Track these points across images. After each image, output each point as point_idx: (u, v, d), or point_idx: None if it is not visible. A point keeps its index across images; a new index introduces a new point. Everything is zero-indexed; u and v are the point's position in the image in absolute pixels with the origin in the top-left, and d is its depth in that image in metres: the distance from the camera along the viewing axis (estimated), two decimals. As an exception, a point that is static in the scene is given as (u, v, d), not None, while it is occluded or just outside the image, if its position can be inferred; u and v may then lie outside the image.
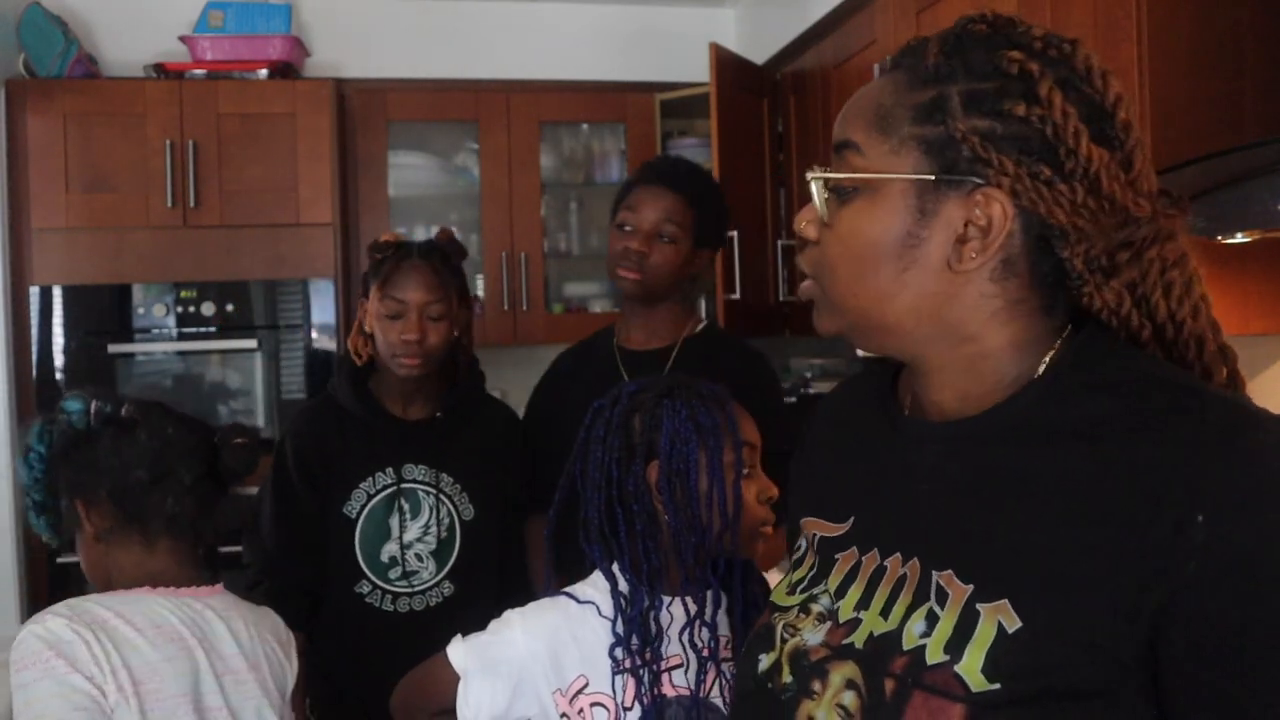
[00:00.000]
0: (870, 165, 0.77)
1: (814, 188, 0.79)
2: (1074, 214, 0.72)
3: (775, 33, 3.14)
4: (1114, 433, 0.70)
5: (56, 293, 2.94)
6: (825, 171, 0.79)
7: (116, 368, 2.98)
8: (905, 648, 0.73)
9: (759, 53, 3.20)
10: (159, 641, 1.26)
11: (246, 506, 1.42)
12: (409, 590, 1.85)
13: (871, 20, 2.48)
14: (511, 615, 1.25)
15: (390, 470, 1.86)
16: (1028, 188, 0.72)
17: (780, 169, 3.08)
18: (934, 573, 0.75)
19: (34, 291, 2.93)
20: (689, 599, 1.22)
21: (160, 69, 3.06)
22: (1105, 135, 0.73)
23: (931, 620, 0.73)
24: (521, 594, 1.92)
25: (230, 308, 3.02)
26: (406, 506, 1.86)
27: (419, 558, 1.86)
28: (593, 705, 1.18)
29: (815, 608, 0.83)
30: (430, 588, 1.86)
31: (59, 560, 2.89)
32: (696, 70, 3.14)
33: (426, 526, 1.86)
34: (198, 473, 1.35)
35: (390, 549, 1.85)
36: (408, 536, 1.85)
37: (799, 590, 0.87)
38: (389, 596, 1.85)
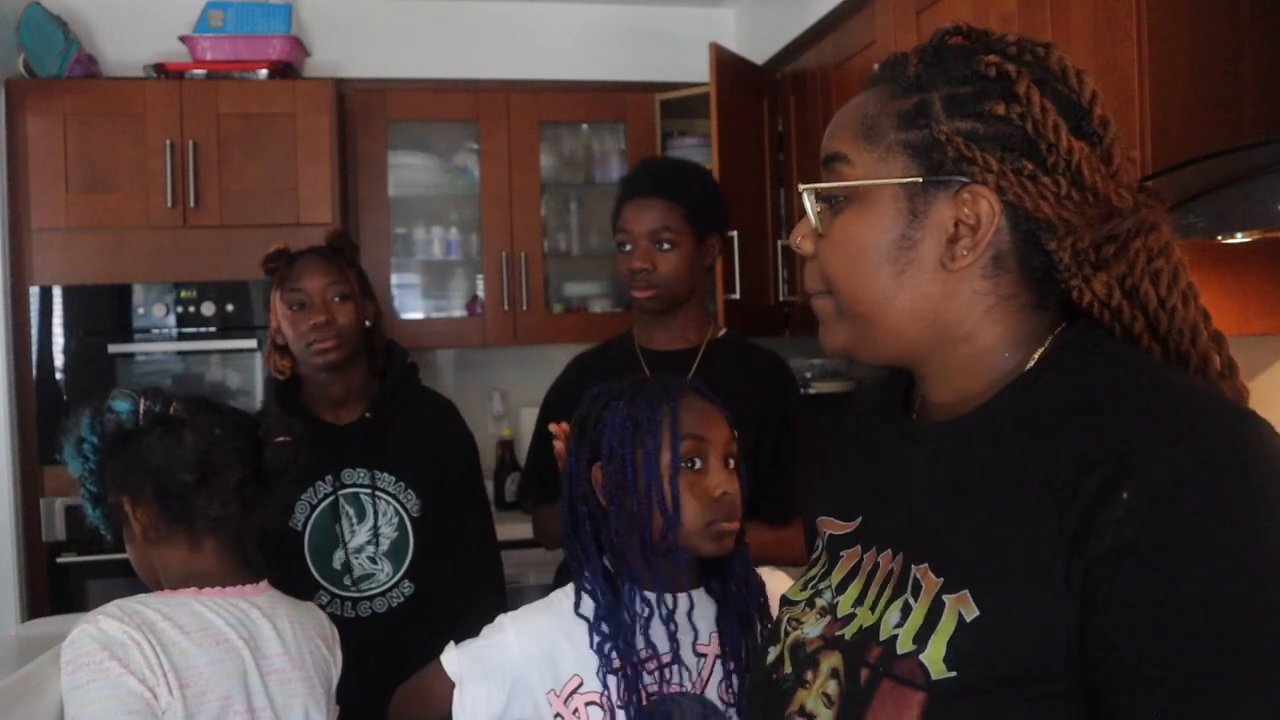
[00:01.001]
0: (860, 174, 0.79)
1: (807, 200, 0.82)
2: (1060, 206, 0.74)
3: (775, 33, 3.14)
4: (1069, 421, 0.71)
5: (56, 293, 2.94)
6: (813, 185, 0.82)
7: (116, 368, 2.98)
8: (881, 638, 0.76)
9: (759, 53, 3.20)
10: (205, 644, 1.27)
11: (292, 505, 1.41)
12: (367, 594, 1.83)
13: (871, 20, 2.49)
14: (504, 619, 1.26)
15: (329, 478, 1.84)
16: (1012, 183, 0.74)
17: (780, 169, 3.09)
18: (913, 566, 0.77)
19: (34, 291, 2.93)
20: (692, 594, 1.24)
21: (160, 69, 3.06)
22: (1083, 131, 0.76)
23: (906, 612, 0.75)
24: (491, 583, 1.97)
25: (230, 308, 3.02)
26: (351, 511, 1.84)
27: (372, 560, 1.85)
28: (587, 704, 1.19)
29: (819, 602, 0.86)
30: (390, 589, 1.85)
31: (59, 560, 2.90)
32: (696, 70, 3.14)
33: (374, 529, 1.85)
34: (242, 474, 1.35)
35: (340, 556, 1.84)
36: (355, 541, 1.84)
37: (808, 586, 0.90)
38: (348, 603, 1.83)
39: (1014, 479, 0.72)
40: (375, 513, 1.85)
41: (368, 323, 1.91)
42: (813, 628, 0.84)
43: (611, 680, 1.19)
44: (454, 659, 1.24)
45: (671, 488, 1.19)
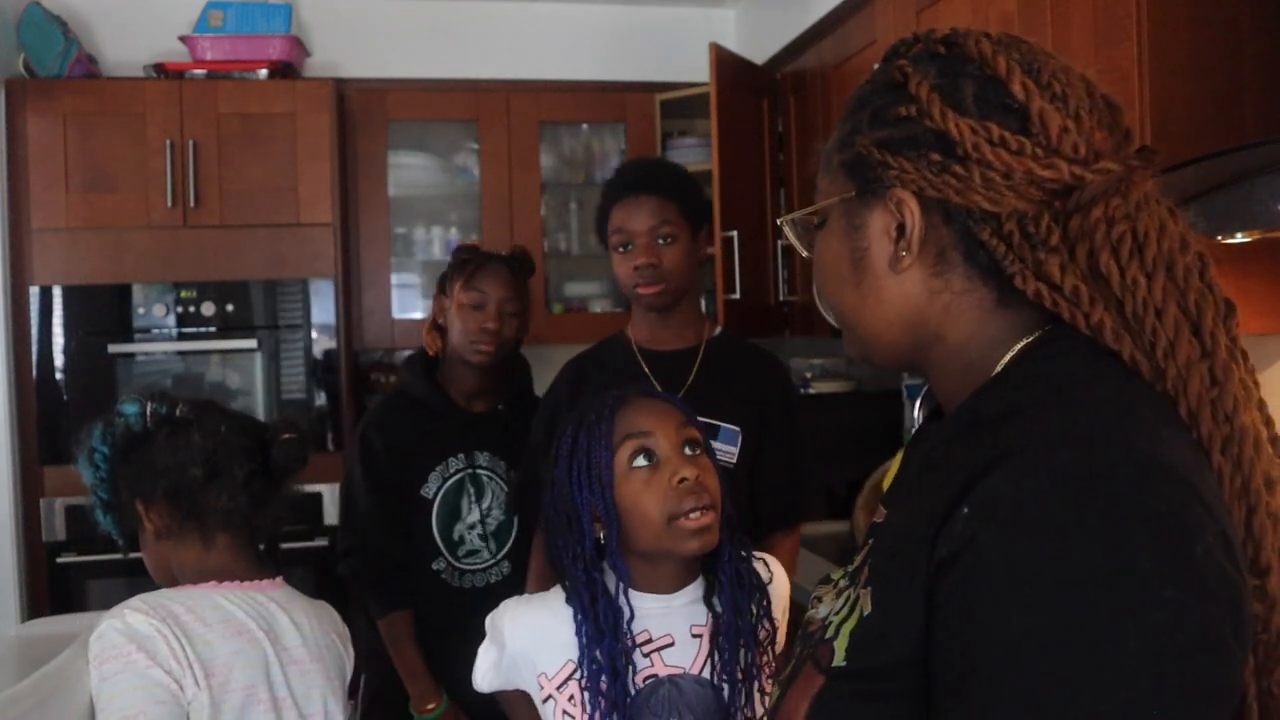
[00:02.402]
0: (818, 201, 0.85)
1: (786, 230, 0.89)
2: (989, 190, 0.73)
3: (775, 33, 3.14)
4: (980, 431, 0.70)
5: (56, 293, 2.94)
6: (784, 217, 0.90)
7: (116, 368, 2.98)
8: (825, 623, 0.79)
9: (759, 53, 3.20)
10: (228, 635, 1.31)
11: (299, 501, 1.49)
12: (474, 568, 2.05)
13: (871, 20, 2.49)
14: (514, 602, 1.33)
15: (462, 456, 2.06)
16: (930, 180, 0.75)
17: (780, 169, 3.09)
18: (869, 560, 0.79)
19: (34, 291, 2.93)
20: (690, 586, 1.28)
21: (160, 69, 3.06)
22: (1008, 107, 0.74)
23: (845, 601, 0.78)
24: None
25: (230, 308, 3.03)
26: (474, 490, 2.06)
27: (481, 538, 2.06)
28: (582, 689, 1.22)
29: (841, 584, 0.88)
30: (491, 566, 2.06)
31: (59, 560, 2.90)
32: (696, 70, 3.14)
33: (487, 509, 2.06)
34: (250, 469, 1.40)
35: (459, 529, 2.05)
36: (472, 518, 2.05)
37: (845, 569, 0.92)
38: (458, 573, 2.04)
39: (927, 485, 0.72)
40: (495, 495, 2.07)
41: (522, 335, 2.12)
42: (824, 608, 0.86)
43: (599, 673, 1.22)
44: (490, 618, 1.32)
45: (606, 499, 1.21)
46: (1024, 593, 0.61)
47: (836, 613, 0.78)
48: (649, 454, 1.22)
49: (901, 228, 0.77)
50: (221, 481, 1.37)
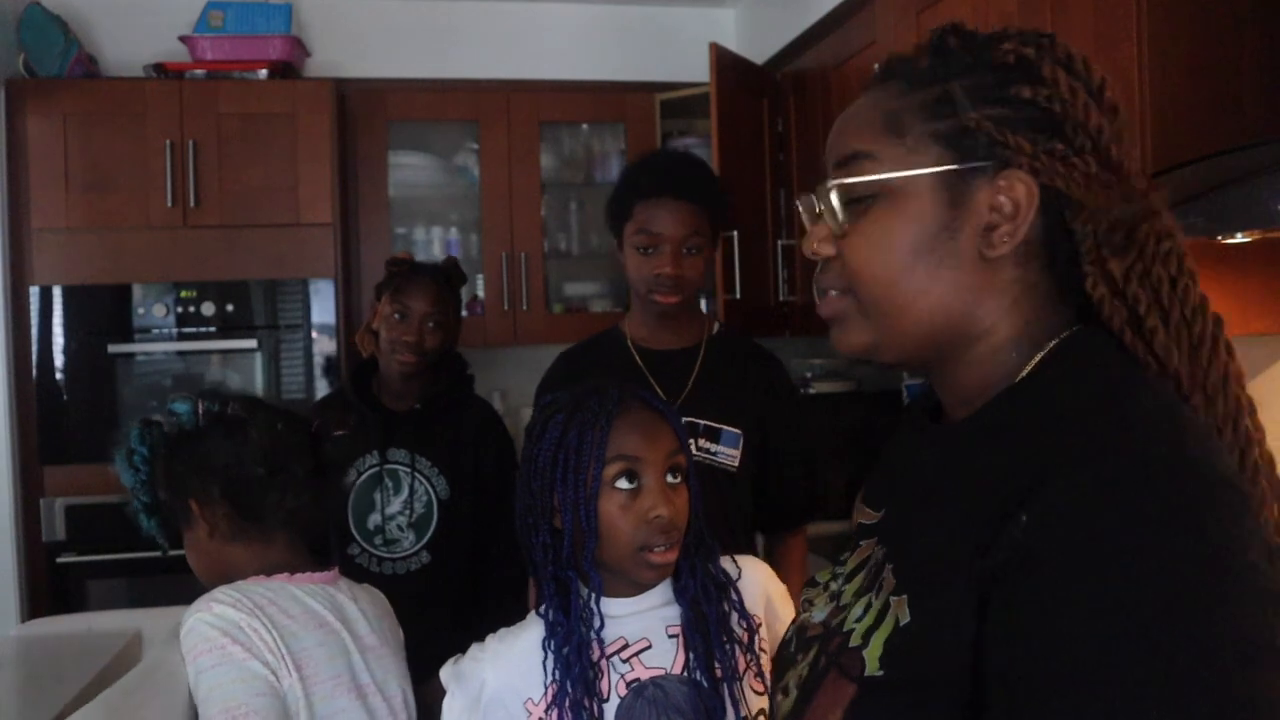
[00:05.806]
0: (888, 169, 0.76)
1: (834, 198, 0.78)
2: (1090, 185, 0.73)
3: (775, 33, 3.14)
4: (1020, 436, 0.70)
5: (56, 293, 2.94)
6: (841, 181, 0.78)
7: (116, 368, 2.98)
8: (844, 630, 0.78)
9: (759, 53, 3.20)
10: (310, 627, 1.31)
11: (346, 496, 1.46)
12: (391, 556, 2.14)
13: (871, 20, 2.49)
14: (490, 640, 1.28)
15: (376, 453, 2.15)
16: (1046, 165, 0.73)
17: (780, 169, 3.08)
18: (886, 565, 0.78)
19: (34, 291, 2.93)
20: (661, 587, 1.26)
21: (160, 69, 3.06)
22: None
23: (867, 608, 0.77)
24: (500, 567, 2.20)
25: (230, 308, 3.03)
26: (390, 484, 2.15)
27: (400, 528, 2.15)
28: (570, 706, 1.20)
29: (832, 587, 0.88)
30: (410, 555, 2.14)
31: (59, 560, 2.90)
32: (696, 70, 3.14)
33: (406, 502, 2.15)
34: (309, 466, 1.38)
35: (374, 519, 2.14)
36: (390, 510, 2.14)
37: (834, 571, 0.92)
38: (374, 559, 2.14)
39: (964, 489, 0.72)
40: (410, 489, 2.15)
41: (450, 344, 2.22)
42: (819, 612, 0.85)
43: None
44: (448, 670, 1.28)
45: (586, 512, 1.18)
46: (1086, 603, 0.60)
47: (859, 619, 0.76)
48: (633, 476, 1.20)
49: (1004, 211, 0.74)
50: (283, 479, 1.35)
